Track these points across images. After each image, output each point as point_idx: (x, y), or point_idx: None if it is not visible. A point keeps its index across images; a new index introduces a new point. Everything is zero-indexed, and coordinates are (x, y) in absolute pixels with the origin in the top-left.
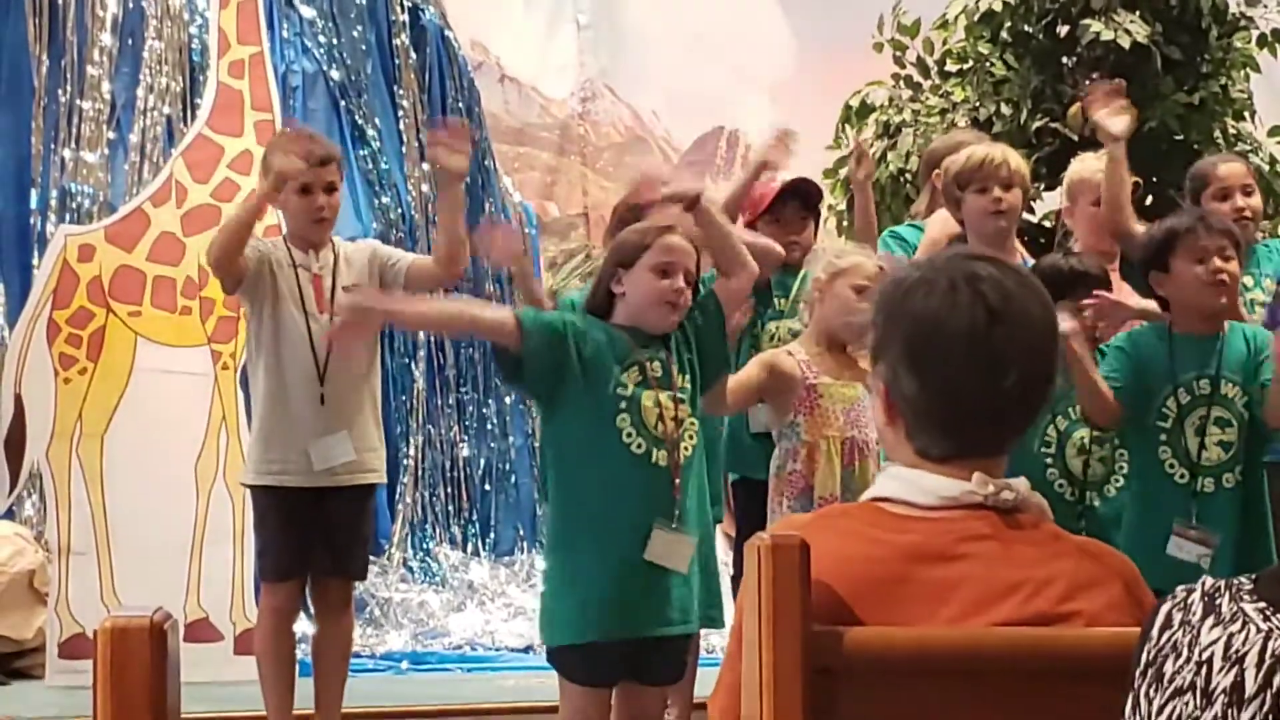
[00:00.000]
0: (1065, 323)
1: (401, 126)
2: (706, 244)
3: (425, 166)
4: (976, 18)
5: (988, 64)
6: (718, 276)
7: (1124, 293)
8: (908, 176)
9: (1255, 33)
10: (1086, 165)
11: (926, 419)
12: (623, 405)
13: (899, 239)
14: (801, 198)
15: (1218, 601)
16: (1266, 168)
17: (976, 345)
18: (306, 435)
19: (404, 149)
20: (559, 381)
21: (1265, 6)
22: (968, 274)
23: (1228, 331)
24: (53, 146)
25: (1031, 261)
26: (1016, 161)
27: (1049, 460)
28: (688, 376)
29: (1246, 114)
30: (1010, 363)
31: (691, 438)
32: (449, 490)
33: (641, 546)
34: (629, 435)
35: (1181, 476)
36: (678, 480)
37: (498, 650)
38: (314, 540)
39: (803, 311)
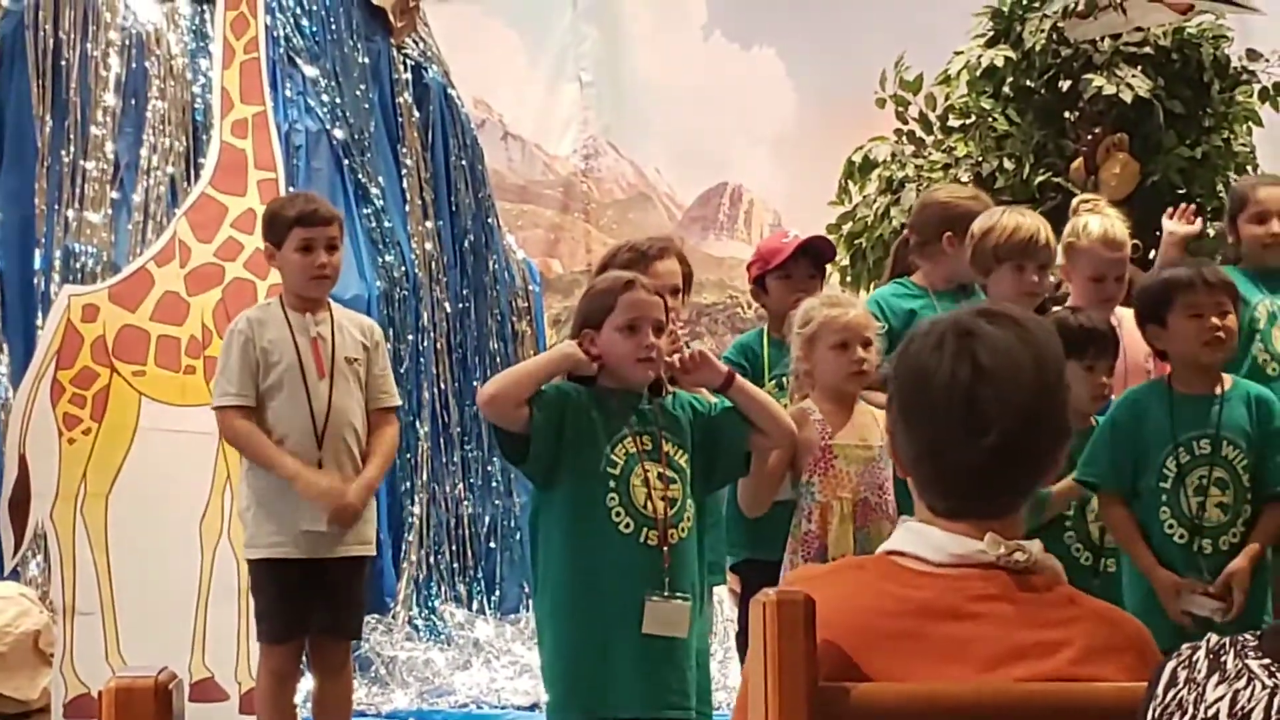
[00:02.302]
0: None
1: (405, 185)
2: (745, 415)
3: (429, 224)
4: (979, 73)
5: (990, 119)
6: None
7: (1127, 350)
8: None
9: (1257, 87)
10: (1091, 235)
11: (921, 474)
12: (611, 484)
13: (885, 307)
14: (813, 256)
15: (1223, 659)
16: None
17: (956, 402)
18: (302, 503)
19: (407, 207)
20: (556, 460)
21: (1267, 60)
22: (963, 329)
23: (1229, 388)
24: (56, 207)
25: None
26: (1052, 238)
27: (1068, 523)
28: (687, 456)
29: (1249, 168)
30: (991, 421)
31: (687, 520)
32: (454, 548)
33: (629, 626)
34: (617, 514)
35: (1181, 537)
36: (666, 552)
37: (504, 708)
38: (311, 604)
39: (800, 381)
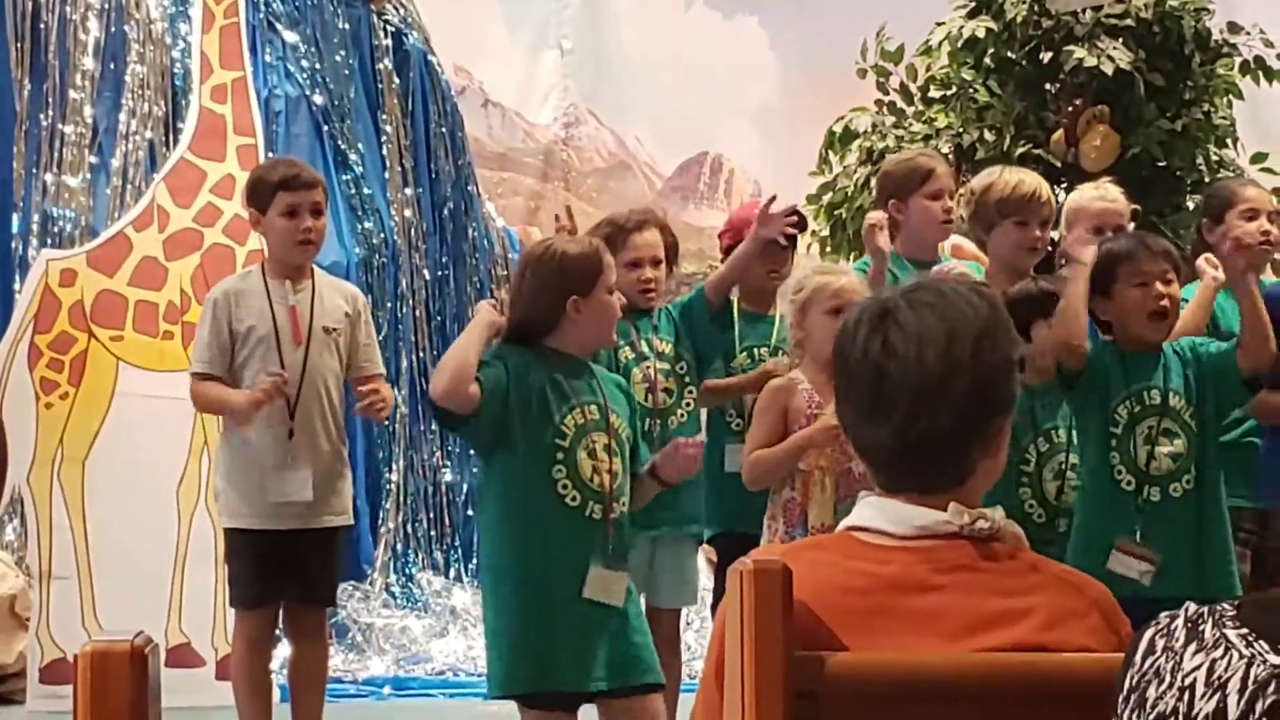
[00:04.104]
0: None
1: (384, 151)
2: None
3: (408, 191)
4: (960, 44)
5: (971, 90)
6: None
7: None
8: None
9: (1238, 60)
10: (1084, 194)
11: (857, 448)
12: (559, 456)
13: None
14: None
15: (1200, 627)
16: None
17: (865, 383)
18: (271, 471)
19: (387, 174)
20: (502, 428)
21: (1248, 34)
22: (880, 309)
23: (1165, 349)
24: (34, 171)
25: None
26: (1051, 197)
27: (1025, 481)
28: (628, 429)
29: (1229, 141)
30: (895, 403)
31: (626, 493)
32: (431, 515)
33: (574, 599)
34: (564, 487)
35: (1128, 484)
36: (611, 533)
37: (480, 675)
38: (286, 571)
39: (793, 350)
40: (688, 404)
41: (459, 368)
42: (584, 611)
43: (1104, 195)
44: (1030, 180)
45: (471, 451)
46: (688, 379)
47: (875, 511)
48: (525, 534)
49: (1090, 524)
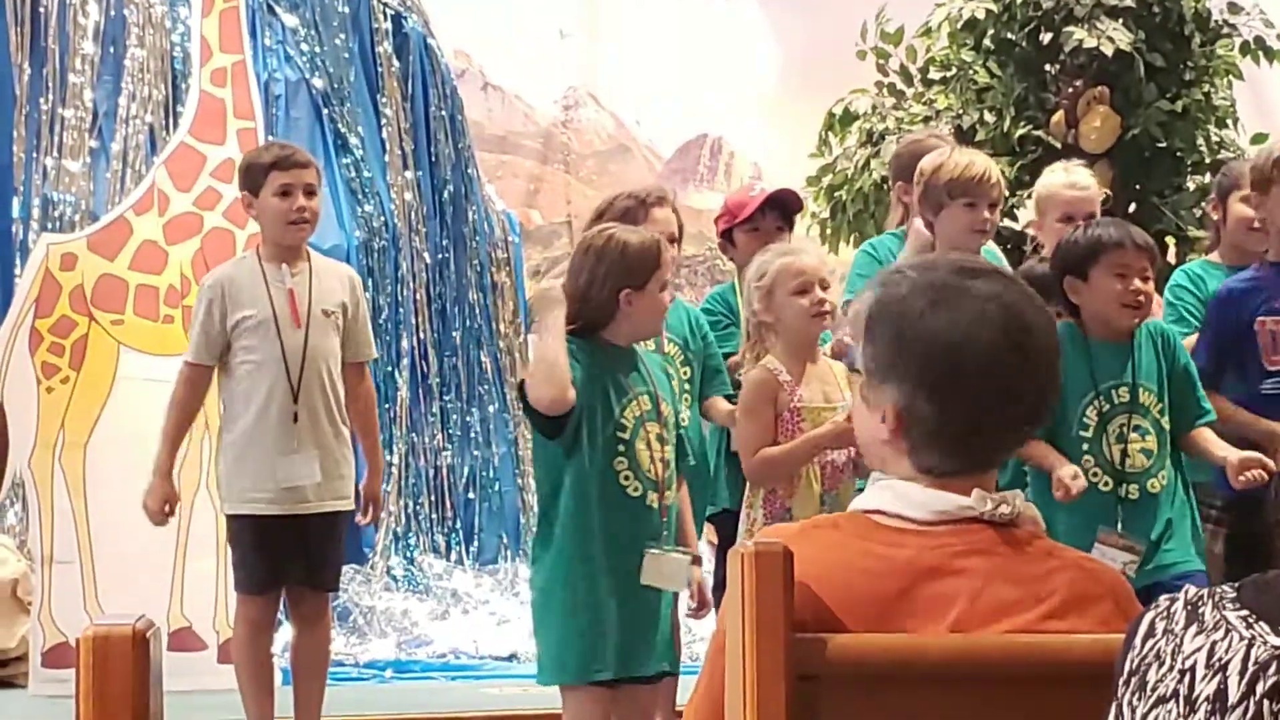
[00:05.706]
0: None
1: (384, 135)
2: None
3: (408, 174)
4: (960, 25)
5: (971, 71)
6: None
7: None
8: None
9: (1238, 40)
10: (1055, 179)
11: (940, 440)
12: (621, 448)
13: (874, 255)
14: (780, 208)
15: (1201, 610)
16: None
17: (999, 374)
18: (277, 456)
19: (387, 157)
20: (577, 426)
21: (1248, 14)
22: (988, 296)
23: (1138, 336)
24: (35, 155)
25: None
26: (1000, 178)
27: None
28: (674, 413)
29: (1230, 121)
30: (1026, 391)
31: (673, 480)
32: (433, 498)
33: (631, 591)
34: (626, 478)
35: (1105, 484)
36: (665, 519)
37: (481, 659)
38: (289, 556)
39: (761, 336)
40: (686, 403)
41: (558, 372)
42: (643, 599)
43: (1075, 183)
44: (980, 161)
45: (473, 434)
46: (688, 384)
47: (894, 495)
48: (596, 527)
49: (1071, 524)
